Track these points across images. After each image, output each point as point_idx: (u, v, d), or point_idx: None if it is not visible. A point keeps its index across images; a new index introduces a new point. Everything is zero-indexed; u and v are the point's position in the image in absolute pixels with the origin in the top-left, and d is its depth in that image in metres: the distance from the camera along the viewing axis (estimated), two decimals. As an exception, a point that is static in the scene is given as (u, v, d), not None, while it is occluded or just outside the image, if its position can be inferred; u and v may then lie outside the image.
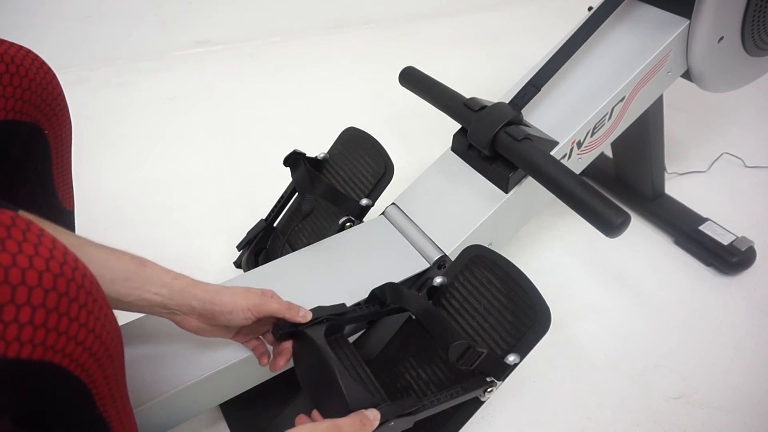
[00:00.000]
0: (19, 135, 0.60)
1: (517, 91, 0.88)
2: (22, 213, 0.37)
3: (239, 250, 1.00)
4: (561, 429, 0.86)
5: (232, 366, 0.68)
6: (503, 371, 0.65)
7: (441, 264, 0.82)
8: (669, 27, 0.89)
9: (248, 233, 0.97)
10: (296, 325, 0.62)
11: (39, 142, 0.64)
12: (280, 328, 0.62)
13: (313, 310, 0.64)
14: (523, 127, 0.82)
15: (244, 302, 0.60)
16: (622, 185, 1.24)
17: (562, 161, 0.83)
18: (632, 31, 0.92)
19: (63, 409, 0.40)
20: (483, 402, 0.67)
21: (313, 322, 0.63)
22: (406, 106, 1.51)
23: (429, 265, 0.81)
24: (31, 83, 0.60)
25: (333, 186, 0.89)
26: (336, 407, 0.55)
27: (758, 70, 1.03)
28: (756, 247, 1.09)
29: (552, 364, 0.94)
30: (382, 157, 0.90)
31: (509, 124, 0.81)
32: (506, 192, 0.84)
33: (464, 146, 0.89)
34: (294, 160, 0.89)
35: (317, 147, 0.99)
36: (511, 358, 0.64)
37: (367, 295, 0.71)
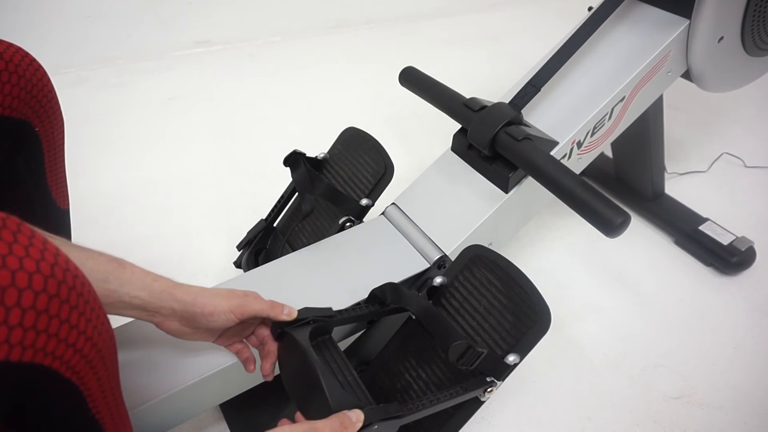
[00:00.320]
0: (8, 131, 0.60)
1: (517, 91, 0.88)
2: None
3: (239, 250, 1.00)
4: (561, 429, 0.86)
5: (231, 367, 0.68)
6: (503, 371, 0.65)
7: (441, 264, 0.82)
8: (669, 27, 0.89)
9: (248, 233, 0.97)
10: (291, 323, 0.62)
11: (30, 139, 0.64)
12: (277, 327, 0.62)
13: (300, 311, 0.63)
14: (523, 127, 0.82)
15: (226, 304, 0.59)
16: (622, 185, 1.24)
17: (562, 161, 0.83)
18: (632, 31, 0.92)
19: (54, 411, 0.39)
20: (483, 402, 0.67)
21: (300, 324, 0.62)
22: (406, 106, 1.51)
23: (429, 265, 0.81)
24: (20, 79, 0.60)
25: (333, 186, 0.89)
26: (319, 409, 0.54)
27: (758, 70, 1.03)
28: (756, 247, 1.09)
29: (552, 364, 0.94)
30: (382, 157, 0.90)
31: (509, 124, 0.81)
32: (506, 192, 0.84)
33: (464, 146, 0.89)
34: (294, 160, 0.89)
35: (317, 147, 0.99)
36: (511, 358, 0.64)
37: (367, 295, 0.71)
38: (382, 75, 1.58)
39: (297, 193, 0.93)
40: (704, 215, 1.16)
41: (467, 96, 0.87)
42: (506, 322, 0.67)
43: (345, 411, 0.54)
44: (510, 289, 0.69)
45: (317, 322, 0.63)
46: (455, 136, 0.91)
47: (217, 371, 0.67)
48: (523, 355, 0.65)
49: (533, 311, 0.66)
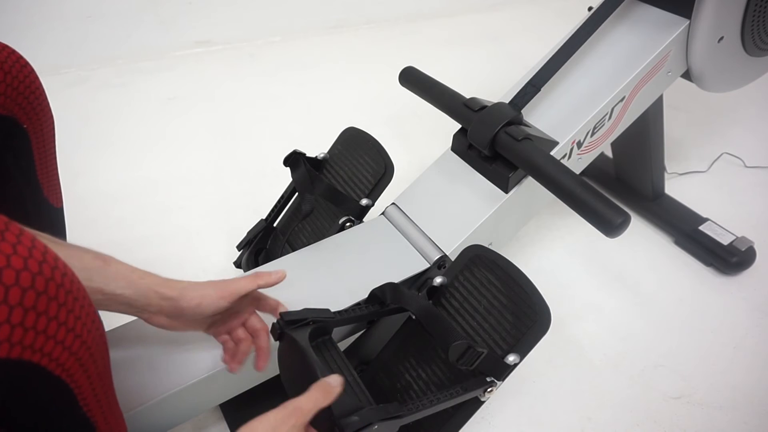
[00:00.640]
0: None
1: (517, 91, 0.88)
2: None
3: (239, 250, 1.00)
4: (561, 429, 0.86)
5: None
6: (503, 371, 0.65)
7: (441, 264, 0.82)
8: (669, 27, 0.89)
9: (248, 233, 0.97)
10: (291, 324, 0.62)
11: (18, 136, 0.64)
12: (277, 327, 0.62)
13: (300, 312, 0.63)
14: (523, 127, 0.82)
15: (213, 291, 0.60)
16: (622, 185, 1.24)
17: (562, 161, 0.83)
18: (632, 31, 0.92)
19: (44, 409, 0.39)
20: (483, 402, 0.67)
21: (299, 324, 0.62)
22: (406, 106, 1.51)
23: (429, 265, 0.81)
24: (6, 76, 0.59)
25: (333, 186, 0.89)
26: None
27: (758, 70, 1.03)
28: (756, 247, 1.09)
29: (552, 364, 0.94)
30: (382, 157, 0.90)
31: (509, 124, 0.81)
32: (506, 192, 0.84)
33: (464, 146, 0.89)
34: (294, 160, 0.89)
35: (317, 147, 0.99)
36: (511, 358, 0.64)
37: (367, 295, 0.71)
38: (382, 75, 1.58)
39: (297, 193, 0.93)
40: (704, 215, 1.16)
41: (467, 96, 0.87)
42: (506, 322, 0.67)
43: (323, 378, 0.53)
44: (510, 289, 0.69)
45: (317, 323, 0.63)
46: (455, 136, 0.91)
47: (217, 371, 0.67)
48: (523, 355, 0.65)
49: (533, 311, 0.66)
